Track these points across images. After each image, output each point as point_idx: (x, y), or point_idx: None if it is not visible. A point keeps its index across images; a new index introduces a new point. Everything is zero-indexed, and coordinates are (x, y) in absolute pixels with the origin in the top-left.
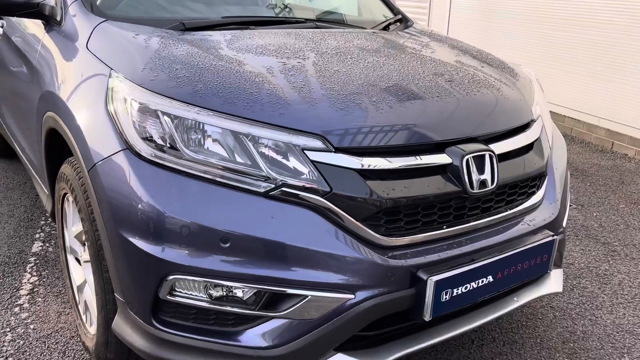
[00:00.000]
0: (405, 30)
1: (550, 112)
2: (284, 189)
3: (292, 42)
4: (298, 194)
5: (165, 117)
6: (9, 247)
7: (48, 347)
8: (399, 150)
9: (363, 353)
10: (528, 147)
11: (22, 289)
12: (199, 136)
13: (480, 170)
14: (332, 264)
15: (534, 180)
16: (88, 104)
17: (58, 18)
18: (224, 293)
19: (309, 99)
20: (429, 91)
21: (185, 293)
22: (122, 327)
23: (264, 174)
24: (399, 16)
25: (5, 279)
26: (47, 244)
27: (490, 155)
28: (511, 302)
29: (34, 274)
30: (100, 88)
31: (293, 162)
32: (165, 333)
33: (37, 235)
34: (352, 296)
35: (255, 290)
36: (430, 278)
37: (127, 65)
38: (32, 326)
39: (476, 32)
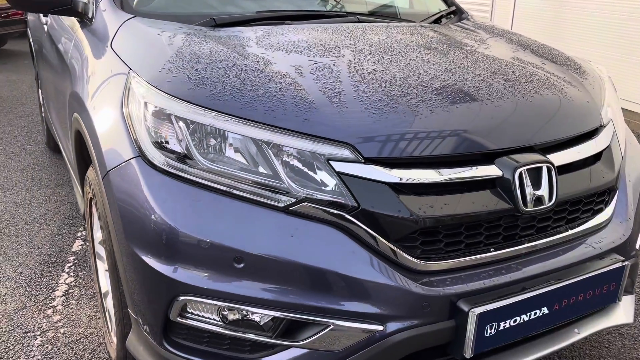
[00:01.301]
0: (459, 23)
1: (624, 109)
2: (305, 203)
3: (328, 38)
4: (321, 210)
5: (181, 123)
6: (50, 245)
7: (75, 353)
8: (439, 161)
9: None
10: (595, 157)
11: (57, 289)
12: (216, 144)
13: (536, 185)
14: (358, 290)
15: (601, 196)
16: (106, 107)
17: (90, 15)
18: (239, 317)
19: (338, 102)
20: (478, 93)
21: (197, 315)
22: (136, 345)
23: (284, 186)
24: (453, 8)
25: (43, 278)
26: (88, 243)
27: (548, 167)
28: (572, 334)
29: (71, 274)
30: (118, 90)
31: (317, 174)
32: (177, 357)
33: (79, 234)
34: (381, 327)
35: (272, 316)
36: (472, 310)
37: (146, 65)
38: (62, 330)
39: (545, 27)
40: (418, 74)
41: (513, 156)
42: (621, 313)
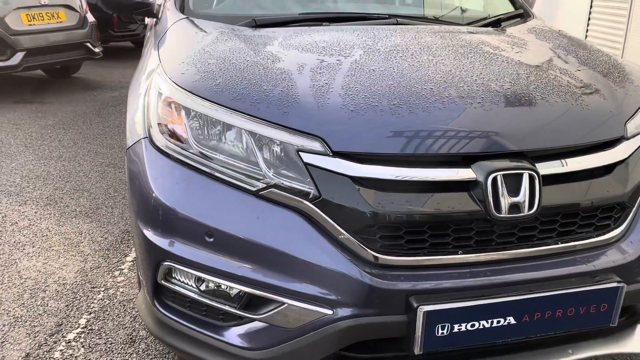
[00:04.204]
0: (515, 26)
1: None
2: (273, 189)
3: (350, 39)
4: (286, 196)
5: (182, 110)
6: None
7: (125, 309)
8: (407, 160)
9: None
10: (606, 169)
11: (129, 255)
12: (208, 131)
13: (514, 192)
14: (311, 274)
15: (607, 212)
16: (136, 96)
17: (159, 16)
18: (210, 286)
19: (322, 98)
20: (470, 97)
21: (179, 281)
22: (140, 304)
23: (261, 172)
24: (520, 11)
25: (121, 245)
26: None
27: (530, 174)
28: (563, 354)
29: None
30: (148, 81)
31: (288, 163)
32: (166, 317)
33: None
34: (330, 312)
35: (237, 289)
36: (420, 307)
37: (171, 59)
38: (121, 290)
39: None
40: (416, 76)
41: (492, 161)
42: (635, 341)
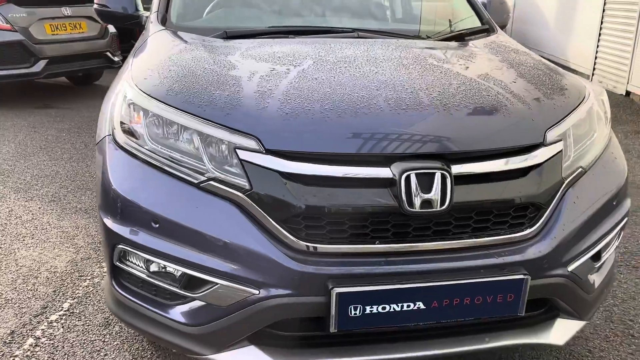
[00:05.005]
0: (475, 40)
1: None
2: (212, 182)
3: (306, 50)
4: (222, 188)
5: (141, 111)
6: None
7: None
8: (331, 158)
9: (275, 351)
10: (522, 172)
11: None
12: (162, 129)
13: (427, 189)
14: (241, 258)
15: (521, 211)
16: (109, 98)
17: (145, 27)
18: (157, 268)
19: (261, 102)
20: (396, 103)
21: (131, 262)
22: (104, 286)
23: (205, 167)
24: (485, 26)
25: None
26: None
27: (442, 174)
28: (479, 341)
29: None
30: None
31: (226, 159)
32: (122, 296)
33: None
34: (257, 292)
35: (179, 270)
36: (334, 289)
37: (140, 66)
38: (106, 278)
39: None
40: (352, 84)
41: (408, 161)
42: (551, 332)
